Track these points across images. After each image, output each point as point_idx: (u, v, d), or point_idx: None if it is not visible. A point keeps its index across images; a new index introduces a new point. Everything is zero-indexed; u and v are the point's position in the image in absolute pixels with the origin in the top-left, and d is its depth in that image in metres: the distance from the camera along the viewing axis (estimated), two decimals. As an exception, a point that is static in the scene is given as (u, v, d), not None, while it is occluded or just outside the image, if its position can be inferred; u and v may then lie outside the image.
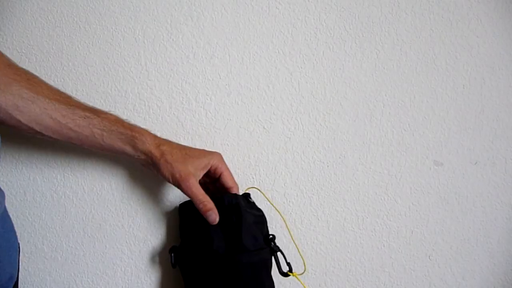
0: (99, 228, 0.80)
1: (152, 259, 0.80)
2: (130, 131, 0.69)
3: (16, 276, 0.67)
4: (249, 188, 0.79)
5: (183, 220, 0.75)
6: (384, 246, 0.81)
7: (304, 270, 0.74)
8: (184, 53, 0.79)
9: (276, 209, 0.78)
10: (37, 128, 0.65)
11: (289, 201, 0.80)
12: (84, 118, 0.67)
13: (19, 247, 0.70)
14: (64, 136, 0.67)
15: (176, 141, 0.77)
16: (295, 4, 0.79)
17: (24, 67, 0.77)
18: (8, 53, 0.77)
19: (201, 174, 0.72)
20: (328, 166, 0.80)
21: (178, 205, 0.79)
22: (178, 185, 0.70)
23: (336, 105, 0.80)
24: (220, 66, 0.79)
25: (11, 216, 0.78)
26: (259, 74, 0.79)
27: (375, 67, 0.80)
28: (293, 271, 0.73)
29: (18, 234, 0.79)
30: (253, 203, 0.76)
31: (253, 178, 0.80)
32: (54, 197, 0.80)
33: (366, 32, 0.79)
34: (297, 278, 0.73)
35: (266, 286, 0.72)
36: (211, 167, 0.73)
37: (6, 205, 0.78)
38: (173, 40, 0.79)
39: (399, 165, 0.81)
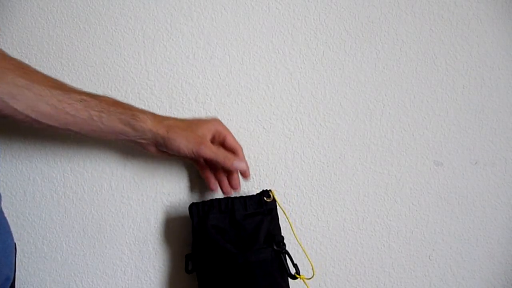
0: (99, 228, 0.80)
1: (152, 259, 0.80)
2: (130, 110, 0.68)
3: (13, 277, 0.67)
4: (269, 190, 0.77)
5: (195, 222, 0.74)
6: (384, 246, 0.81)
7: (313, 275, 0.74)
8: (184, 53, 0.79)
9: (284, 213, 0.77)
10: (33, 115, 0.64)
11: (289, 201, 0.80)
12: (81, 101, 0.66)
13: (15, 248, 0.70)
14: (61, 122, 0.66)
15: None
16: (295, 4, 0.79)
17: (24, 67, 0.77)
18: (8, 53, 0.77)
19: (209, 139, 0.72)
20: (328, 166, 0.80)
21: (178, 206, 0.79)
22: (196, 152, 0.69)
23: (336, 105, 0.80)
24: (220, 66, 0.79)
25: (11, 216, 0.78)
26: (259, 74, 0.79)
27: (375, 67, 0.80)
28: (300, 273, 0.73)
29: (18, 234, 0.79)
30: (266, 202, 0.75)
31: (253, 178, 0.80)
32: (54, 197, 0.80)
33: (366, 32, 0.79)
34: (305, 283, 0.73)
35: (262, 286, 0.72)
36: (215, 132, 0.73)
37: (6, 205, 0.79)
38: (173, 40, 0.79)
39: (399, 165, 0.81)
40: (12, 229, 0.78)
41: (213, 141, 0.74)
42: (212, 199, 0.74)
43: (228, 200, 0.74)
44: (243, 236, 0.72)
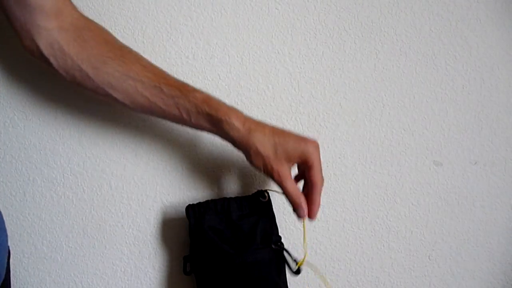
0: (99, 228, 0.80)
1: (152, 259, 0.80)
2: (216, 112, 0.65)
3: (5, 275, 0.67)
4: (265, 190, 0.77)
5: (192, 222, 0.74)
6: (384, 246, 0.81)
7: (304, 256, 0.72)
8: (183, 53, 0.79)
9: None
10: (131, 105, 0.67)
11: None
12: (171, 97, 0.66)
13: (9, 251, 0.71)
14: (156, 114, 0.68)
15: (176, 142, 0.77)
16: (295, 4, 0.79)
17: (24, 67, 0.78)
18: (8, 53, 0.77)
19: (292, 164, 0.68)
20: (328, 166, 0.80)
21: (178, 206, 0.79)
22: (270, 176, 0.67)
23: (336, 105, 0.80)
24: (219, 66, 0.79)
25: (11, 216, 0.78)
26: (259, 74, 0.79)
27: (375, 67, 0.80)
28: (300, 267, 0.72)
29: (17, 234, 0.79)
30: (261, 202, 0.75)
31: (253, 178, 0.80)
32: (54, 198, 0.80)
33: (366, 32, 0.79)
34: (312, 266, 0.71)
35: (260, 287, 0.71)
36: (305, 158, 0.67)
37: (5, 205, 0.79)
38: (172, 40, 0.79)
39: (399, 165, 0.81)
40: (12, 229, 0.78)
41: (299, 165, 0.69)
42: (208, 200, 0.74)
43: (224, 201, 0.74)
44: (240, 237, 0.72)
